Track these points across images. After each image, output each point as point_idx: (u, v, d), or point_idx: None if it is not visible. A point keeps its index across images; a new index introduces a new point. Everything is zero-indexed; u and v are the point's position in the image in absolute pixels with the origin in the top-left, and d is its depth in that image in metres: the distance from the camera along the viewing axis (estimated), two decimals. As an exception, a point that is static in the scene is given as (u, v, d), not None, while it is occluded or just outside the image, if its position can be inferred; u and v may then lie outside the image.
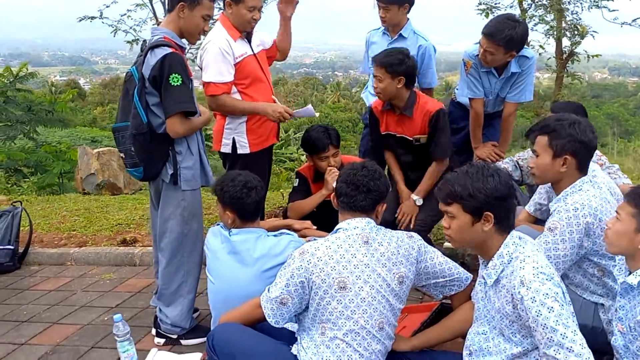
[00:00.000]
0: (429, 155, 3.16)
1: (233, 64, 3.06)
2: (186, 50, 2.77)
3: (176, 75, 2.53)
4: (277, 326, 2.12)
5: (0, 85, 11.35)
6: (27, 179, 10.47)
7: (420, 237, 2.19)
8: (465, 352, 2.03)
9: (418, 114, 3.09)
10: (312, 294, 2.02)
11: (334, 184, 3.06)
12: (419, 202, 3.18)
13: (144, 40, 2.72)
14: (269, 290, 2.12)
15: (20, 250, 4.40)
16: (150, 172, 2.67)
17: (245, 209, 2.51)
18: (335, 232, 2.13)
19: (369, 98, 3.62)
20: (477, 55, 3.32)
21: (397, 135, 3.21)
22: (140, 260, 4.24)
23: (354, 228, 2.09)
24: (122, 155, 2.69)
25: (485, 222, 1.84)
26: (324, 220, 3.09)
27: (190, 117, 2.64)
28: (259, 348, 2.09)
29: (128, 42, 5.69)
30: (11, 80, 11.65)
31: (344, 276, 1.99)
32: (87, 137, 22.90)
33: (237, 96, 3.13)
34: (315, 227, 2.93)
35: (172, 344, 2.89)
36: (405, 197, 3.24)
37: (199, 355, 2.71)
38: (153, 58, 2.54)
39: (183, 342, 2.89)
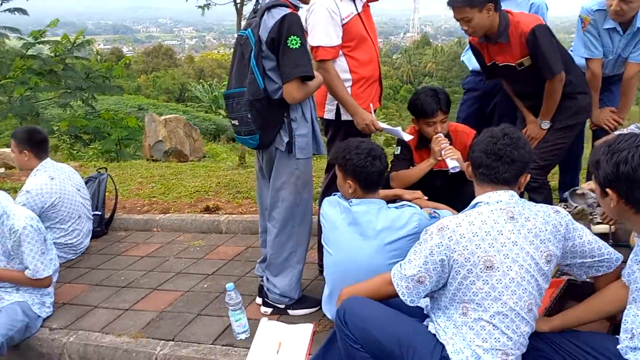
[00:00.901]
0: (540, 76, 2.96)
1: (340, 25, 2.90)
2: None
3: (295, 37, 2.40)
4: (412, 305, 2.01)
5: (59, 52, 11.53)
6: (89, 145, 10.69)
7: (567, 213, 2.02)
8: (624, 336, 1.87)
9: (514, 37, 2.89)
10: (453, 273, 1.90)
11: (447, 153, 2.93)
12: (545, 125, 3.07)
13: (257, 1, 2.59)
14: (401, 266, 1.99)
15: (106, 216, 4.46)
16: (265, 140, 2.57)
17: (368, 179, 2.38)
18: (476, 207, 1.98)
19: (471, 60, 3.42)
20: (597, 10, 3.06)
21: (501, 64, 3.03)
22: (227, 228, 4.22)
23: (497, 202, 1.94)
24: (235, 122, 2.60)
25: None
26: (422, 187, 2.95)
27: (307, 81, 2.52)
28: (397, 325, 1.99)
29: (199, 7, 5.59)
30: (69, 47, 11.81)
31: (490, 255, 1.86)
32: (134, 104, 23.22)
33: (343, 59, 2.99)
34: (426, 198, 2.80)
35: (279, 314, 2.85)
36: (531, 120, 3.14)
37: (310, 326, 2.66)
38: (271, 19, 2.42)
39: (291, 312, 2.84)
